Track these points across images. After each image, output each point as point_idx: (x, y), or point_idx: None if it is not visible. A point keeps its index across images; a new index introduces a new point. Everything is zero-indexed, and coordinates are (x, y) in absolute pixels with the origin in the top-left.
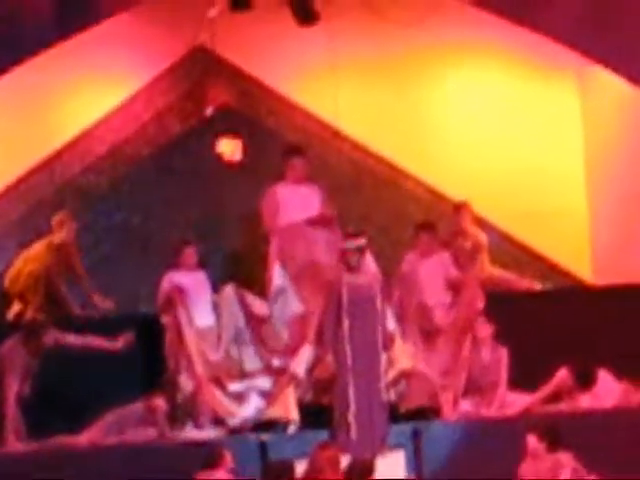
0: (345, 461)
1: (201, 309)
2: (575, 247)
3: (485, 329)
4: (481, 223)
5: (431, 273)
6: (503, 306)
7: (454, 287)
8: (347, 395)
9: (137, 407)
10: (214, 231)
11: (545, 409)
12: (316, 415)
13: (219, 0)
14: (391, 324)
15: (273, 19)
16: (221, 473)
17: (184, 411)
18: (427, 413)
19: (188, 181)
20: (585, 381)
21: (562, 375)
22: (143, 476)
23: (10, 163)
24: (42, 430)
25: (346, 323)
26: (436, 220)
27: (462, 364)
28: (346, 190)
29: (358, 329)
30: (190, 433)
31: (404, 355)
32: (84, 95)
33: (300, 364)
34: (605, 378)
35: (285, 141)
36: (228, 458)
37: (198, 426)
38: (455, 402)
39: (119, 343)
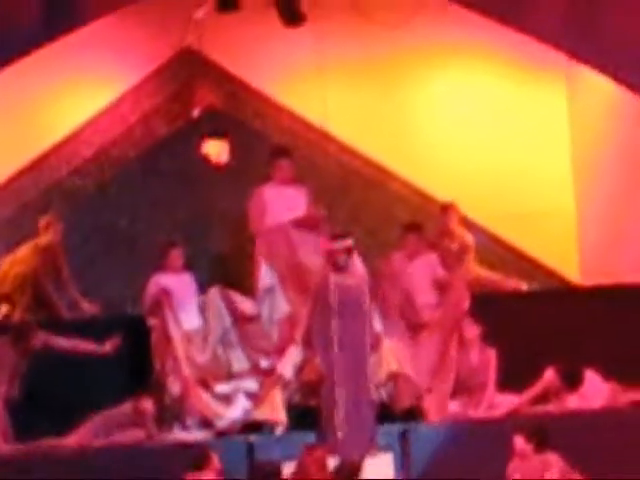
0: (333, 463)
1: (188, 311)
2: (562, 248)
3: (473, 330)
4: (468, 224)
5: (418, 274)
6: (490, 307)
7: (441, 288)
8: (335, 396)
9: (125, 409)
10: (201, 233)
11: (533, 410)
12: (304, 416)
13: (206, 1)
14: (378, 325)
15: (260, 21)
16: (208, 475)
17: (171, 413)
18: (414, 414)
19: (175, 183)
20: (572, 382)
21: (549, 376)
22: (131, 478)
23: None
24: (30, 432)
25: (334, 324)
26: (423, 221)
27: (450, 365)
28: (334, 192)
29: (346, 330)
30: (177, 435)
31: (392, 356)
32: (70, 97)
33: (287, 365)
34: (592, 379)
35: (272, 143)
36: (215, 460)
37: (185, 428)
38: (443, 403)
39: (107, 347)
